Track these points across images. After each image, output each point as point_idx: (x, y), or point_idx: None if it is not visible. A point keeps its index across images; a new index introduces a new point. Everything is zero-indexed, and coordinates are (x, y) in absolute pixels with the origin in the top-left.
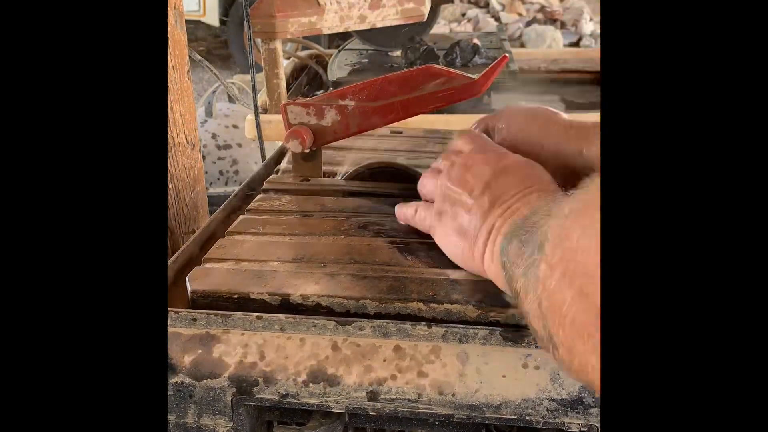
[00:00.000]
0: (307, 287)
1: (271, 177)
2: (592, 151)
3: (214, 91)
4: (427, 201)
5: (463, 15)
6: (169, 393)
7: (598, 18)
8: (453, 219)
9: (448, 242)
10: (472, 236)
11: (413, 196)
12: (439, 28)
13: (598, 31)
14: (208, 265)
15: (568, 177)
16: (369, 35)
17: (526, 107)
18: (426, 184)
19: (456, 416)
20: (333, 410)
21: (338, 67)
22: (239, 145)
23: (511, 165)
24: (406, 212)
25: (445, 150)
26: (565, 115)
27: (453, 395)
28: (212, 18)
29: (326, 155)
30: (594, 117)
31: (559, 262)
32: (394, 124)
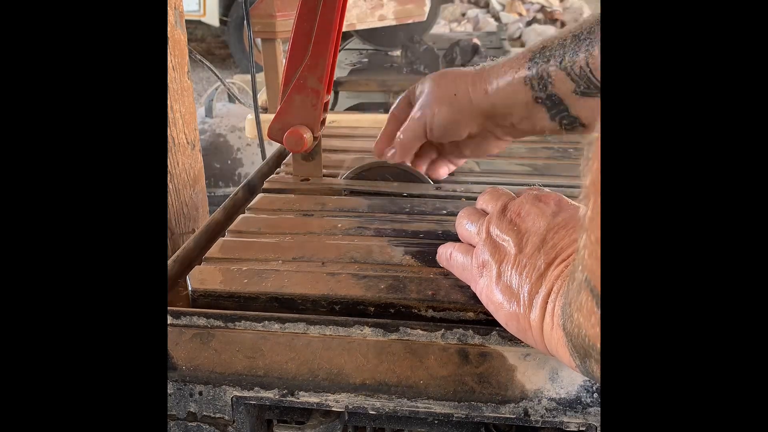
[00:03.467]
0: (307, 287)
1: (271, 177)
2: (493, 87)
3: (211, 99)
4: (464, 243)
5: (463, 15)
6: (169, 392)
7: None
8: (499, 276)
9: (493, 302)
10: (525, 303)
11: (413, 196)
12: (439, 28)
13: None
14: (208, 265)
15: (481, 116)
16: (369, 35)
17: (438, 71)
18: (465, 225)
19: (455, 415)
20: (333, 409)
21: (338, 67)
22: None
23: (570, 219)
24: (440, 254)
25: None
26: (470, 68)
27: (452, 394)
28: (212, 18)
29: (326, 156)
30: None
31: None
32: None
